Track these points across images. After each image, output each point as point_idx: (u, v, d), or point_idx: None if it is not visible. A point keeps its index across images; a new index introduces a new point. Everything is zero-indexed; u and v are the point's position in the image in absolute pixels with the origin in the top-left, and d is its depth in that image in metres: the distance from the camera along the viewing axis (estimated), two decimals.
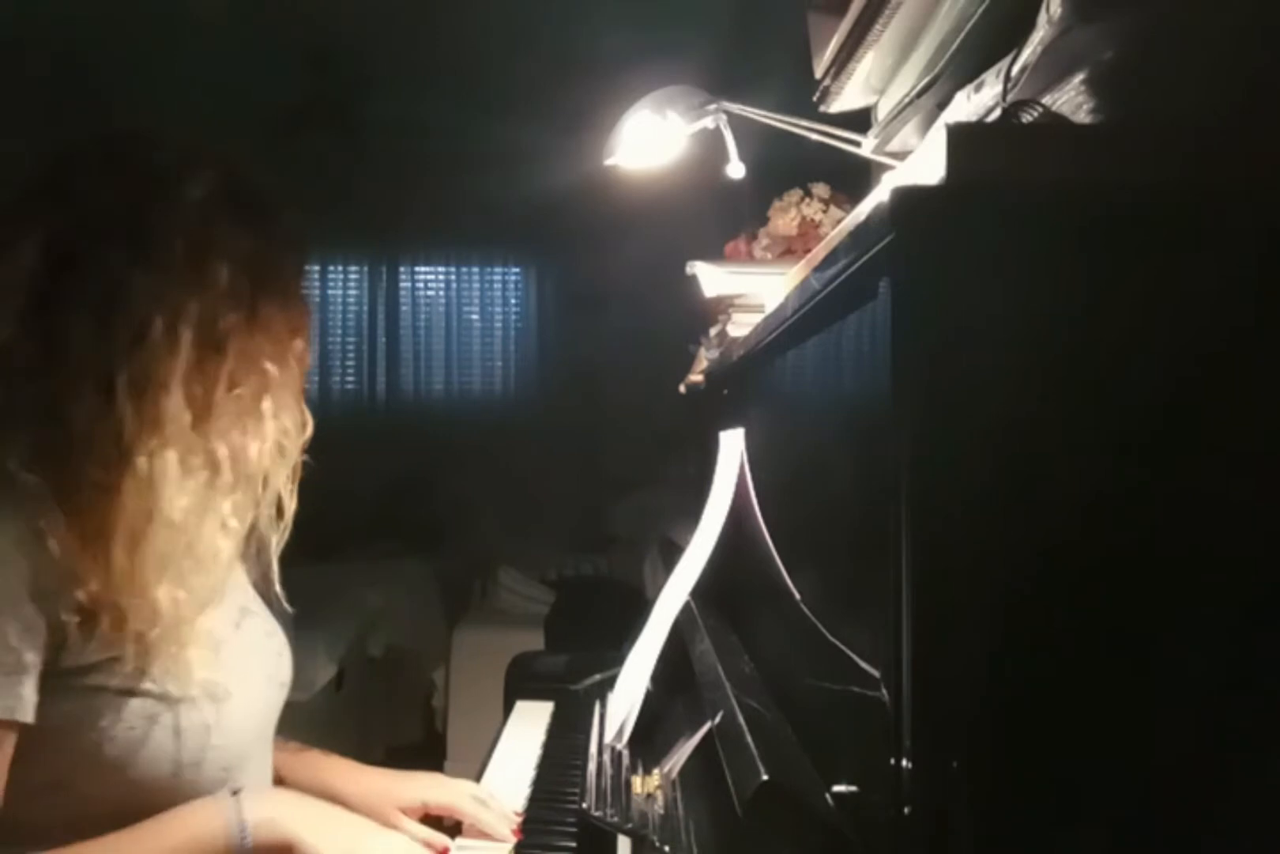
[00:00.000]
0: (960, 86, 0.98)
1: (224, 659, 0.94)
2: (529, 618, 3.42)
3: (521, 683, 1.70)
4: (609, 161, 1.55)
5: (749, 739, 0.83)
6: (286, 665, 1.07)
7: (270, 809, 0.93)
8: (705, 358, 1.76)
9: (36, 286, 0.87)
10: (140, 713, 0.88)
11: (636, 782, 1.10)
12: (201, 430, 0.89)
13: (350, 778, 1.15)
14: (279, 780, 1.11)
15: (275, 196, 0.98)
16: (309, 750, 1.19)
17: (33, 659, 0.83)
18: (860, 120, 1.41)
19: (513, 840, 1.13)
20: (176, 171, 0.92)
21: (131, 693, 0.88)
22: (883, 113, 1.35)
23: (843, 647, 0.75)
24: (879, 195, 0.77)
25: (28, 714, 0.83)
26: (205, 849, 0.89)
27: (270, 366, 0.93)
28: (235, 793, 0.92)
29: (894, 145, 1.31)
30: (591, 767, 1.18)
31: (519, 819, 1.17)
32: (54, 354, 0.86)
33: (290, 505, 1.01)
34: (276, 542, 1.01)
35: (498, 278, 5.40)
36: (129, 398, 0.85)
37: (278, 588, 1.03)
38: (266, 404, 0.93)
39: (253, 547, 1.00)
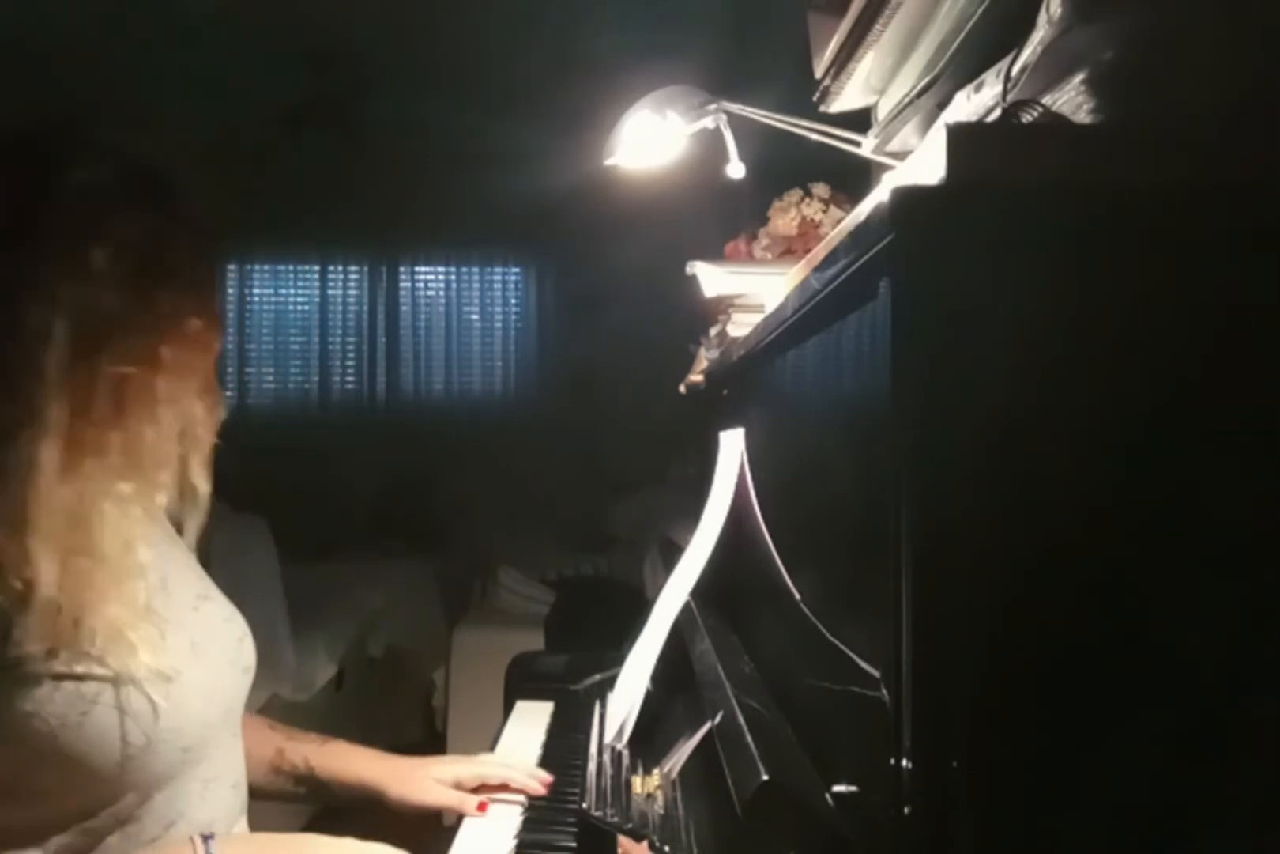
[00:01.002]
0: (960, 86, 0.98)
1: (179, 643, 0.95)
2: (529, 618, 3.42)
3: (521, 683, 1.70)
4: (609, 161, 1.55)
5: (749, 739, 0.83)
6: (248, 651, 1.08)
7: (238, 846, 0.96)
8: (705, 358, 1.76)
9: None
10: (86, 696, 0.88)
11: (636, 782, 1.11)
12: (86, 416, 0.88)
13: (381, 763, 1.22)
14: (308, 771, 1.16)
15: (174, 181, 0.98)
16: (334, 741, 1.23)
17: None
18: (860, 120, 1.41)
19: (542, 790, 1.23)
20: (55, 157, 0.92)
21: (80, 678, 0.88)
22: (883, 113, 1.35)
23: (843, 647, 0.75)
24: (879, 195, 0.77)
25: None
26: None
27: (164, 350, 0.92)
28: (206, 840, 0.93)
29: (894, 145, 1.31)
30: (591, 767, 1.18)
31: (548, 778, 1.26)
32: None
33: (203, 489, 1.00)
34: (193, 526, 1.02)
35: (498, 278, 5.41)
36: (3, 392, 0.85)
37: (212, 585, 1.06)
38: (161, 388, 0.93)
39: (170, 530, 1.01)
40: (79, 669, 0.88)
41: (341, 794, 1.20)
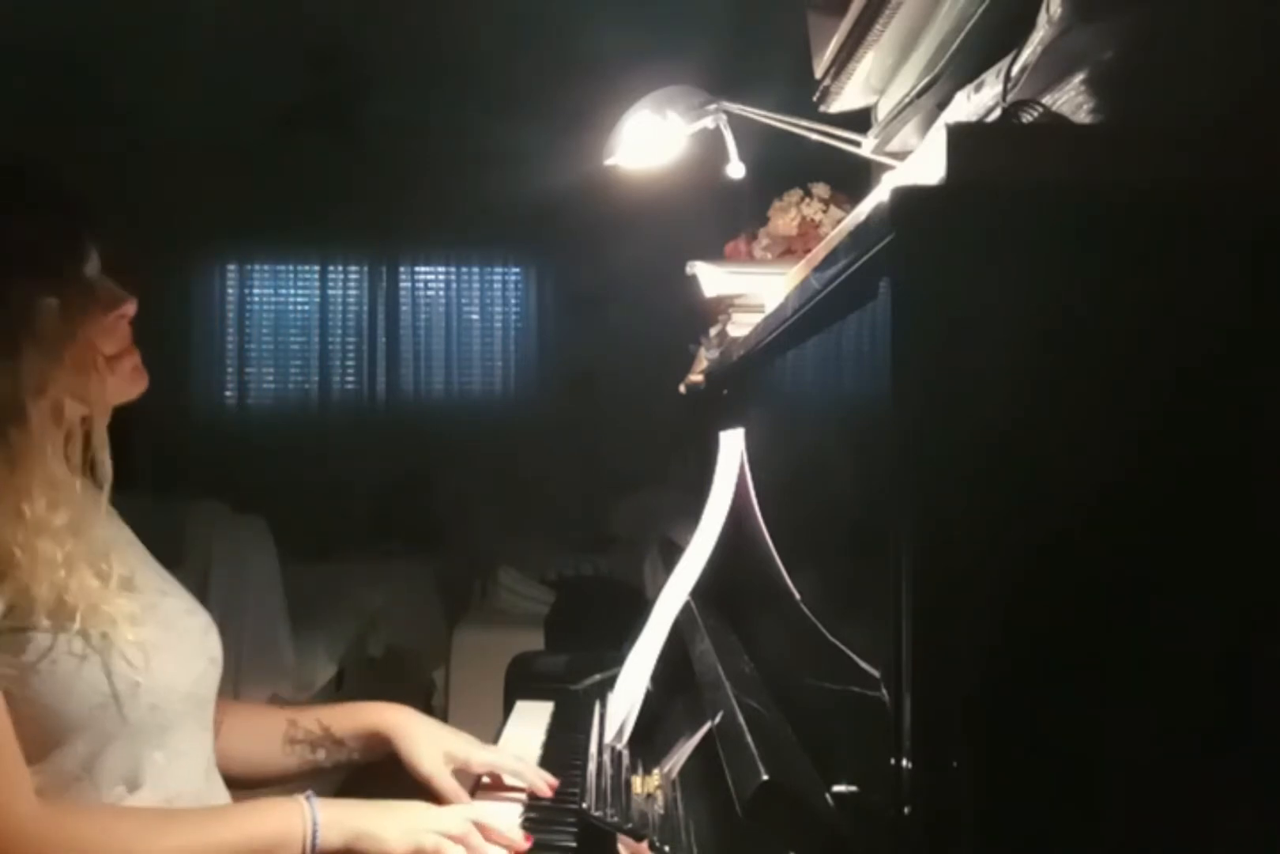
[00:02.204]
0: (960, 86, 0.98)
1: (151, 621, 1.01)
2: (529, 618, 3.42)
3: (521, 683, 1.70)
4: (609, 161, 1.55)
5: (749, 739, 0.83)
6: (214, 642, 1.12)
7: (336, 810, 1.02)
8: (705, 358, 1.76)
9: None
10: (65, 650, 0.94)
11: (636, 782, 1.11)
12: None
13: (402, 717, 1.25)
14: (324, 731, 1.21)
15: (42, 181, 1.00)
16: (347, 703, 1.28)
17: None
18: (860, 120, 1.40)
19: (548, 792, 1.23)
20: None
21: (55, 631, 0.94)
22: (883, 113, 1.35)
23: (843, 647, 0.75)
24: (879, 195, 0.77)
25: None
26: (283, 840, 0.98)
27: (22, 343, 0.94)
28: (308, 797, 1.01)
29: (894, 145, 1.31)
30: (591, 767, 1.18)
31: (554, 782, 1.25)
32: None
33: (106, 462, 1.02)
34: (103, 499, 1.04)
35: (498, 278, 5.41)
36: None
37: (176, 584, 1.13)
38: (25, 382, 0.94)
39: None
40: (54, 624, 0.94)
41: (359, 747, 1.23)
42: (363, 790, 1.19)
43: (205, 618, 1.13)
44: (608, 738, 1.23)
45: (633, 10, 3.08)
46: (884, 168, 1.27)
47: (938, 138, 0.61)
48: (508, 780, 1.25)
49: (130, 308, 1.03)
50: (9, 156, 1.02)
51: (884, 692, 0.62)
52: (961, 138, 0.60)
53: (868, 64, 1.25)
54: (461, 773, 1.23)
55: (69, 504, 0.97)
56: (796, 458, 0.98)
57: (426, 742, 1.21)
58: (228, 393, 5.34)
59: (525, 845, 1.08)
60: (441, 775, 1.19)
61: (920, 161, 0.68)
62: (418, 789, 1.19)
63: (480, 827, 1.07)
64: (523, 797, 1.24)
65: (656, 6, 3.10)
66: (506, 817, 1.18)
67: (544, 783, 1.23)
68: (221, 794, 1.11)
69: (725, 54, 2.95)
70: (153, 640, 1.00)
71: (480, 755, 1.24)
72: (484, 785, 1.26)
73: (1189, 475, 0.60)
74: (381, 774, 1.23)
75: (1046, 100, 0.82)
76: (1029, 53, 0.85)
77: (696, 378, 1.85)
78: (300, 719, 1.21)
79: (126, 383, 1.04)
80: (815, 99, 1.40)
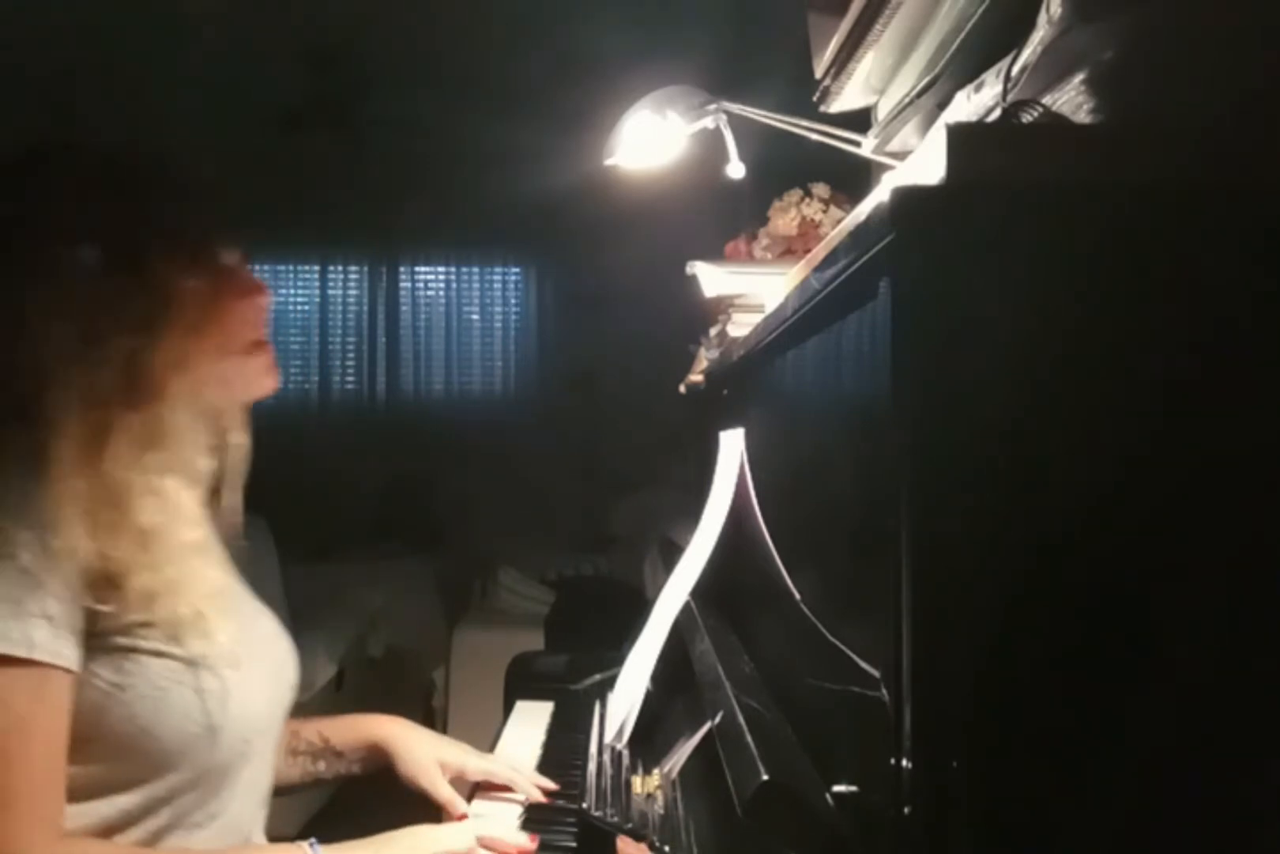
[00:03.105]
0: (960, 86, 0.98)
1: (244, 640, 0.99)
2: (529, 618, 3.42)
3: (521, 683, 1.70)
4: (609, 161, 1.55)
5: (749, 739, 0.83)
6: (292, 669, 1.10)
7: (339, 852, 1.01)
8: (705, 358, 1.76)
9: None
10: (168, 675, 0.93)
11: (636, 782, 1.11)
12: (97, 402, 0.91)
13: (393, 727, 1.24)
14: (324, 743, 1.20)
15: (154, 169, 1.00)
16: (346, 715, 1.26)
17: (76, 614, 0.88)
18: (860, 120, 1.40)
19: (543, 798, 1.23)
20: (37, 163, 0.96)
21: (160, 654, 0.92)
22: (883, 113, 1.35)
23: (843, 647, 0.75)
24: (879, 195, 0.77)
25: (77, 663, 0.88)
26: None
27: (170, 322, 0.94)
28: (313, 845, 1.00)
29: (894, 145, 1.31)
30: (591, 767, 1.18)
31: (550, 788, 1.25)
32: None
33: (241, 441, 1.05)
34: (236, 483, 1.06)
35: (498, 278, 5.40)
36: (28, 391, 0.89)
37: (265, 606, 1.10)
38: (170, 359, 0.94)
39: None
40: (160, 647, 0.92)
41: (358, 760, 1.22)
42: (359, 797, 1.19)
43: (289, 644, 1.11)
44: (608, 738, 1.24)
45: (633, 10, 3.08)
46: (884, 168, 1.27)
47: (938, 138, 0.61)
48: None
49: (267, 298, 1.04)
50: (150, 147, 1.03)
51: (884, 692, 0.62)
52: (961, 138, 0.60)
53: (868, 64, 1.25)
54: (458, 780, 1.24)
55: (196, 487, 0.98)
56: (796, 458, 0.98)
57: (421, 753, 1.21)
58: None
59: (532, 846, 1.09)
60: (438, 786, 1.19)
61: (920, 161, 0.68)
62: (413, 796, 1.20)
63: (485, 840, 1.07)
64: (520, 797, 1.24)
65: (656, 6, 3.10)
66: (506, 818, 1.18)
67: (538, 790, 1.24)
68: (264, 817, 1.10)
69: (725, 54, 2.95)
70: (249, 670, 0.98)
71: (475, 763, 1.24)
72: (483, 787, 1.26)
73: (1189, 475, 0.60)
74: (377, 782, 1.23)
75: (1046, 100, 0.82)
76: (1029, 53, 0.85)
77: (696, 378, 1.85)
78: (302, 731, 1.21)
79: (262, 375, 1.04)
80: (815, 99, 1.40)
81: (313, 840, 1.01)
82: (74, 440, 0.89)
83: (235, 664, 0.97)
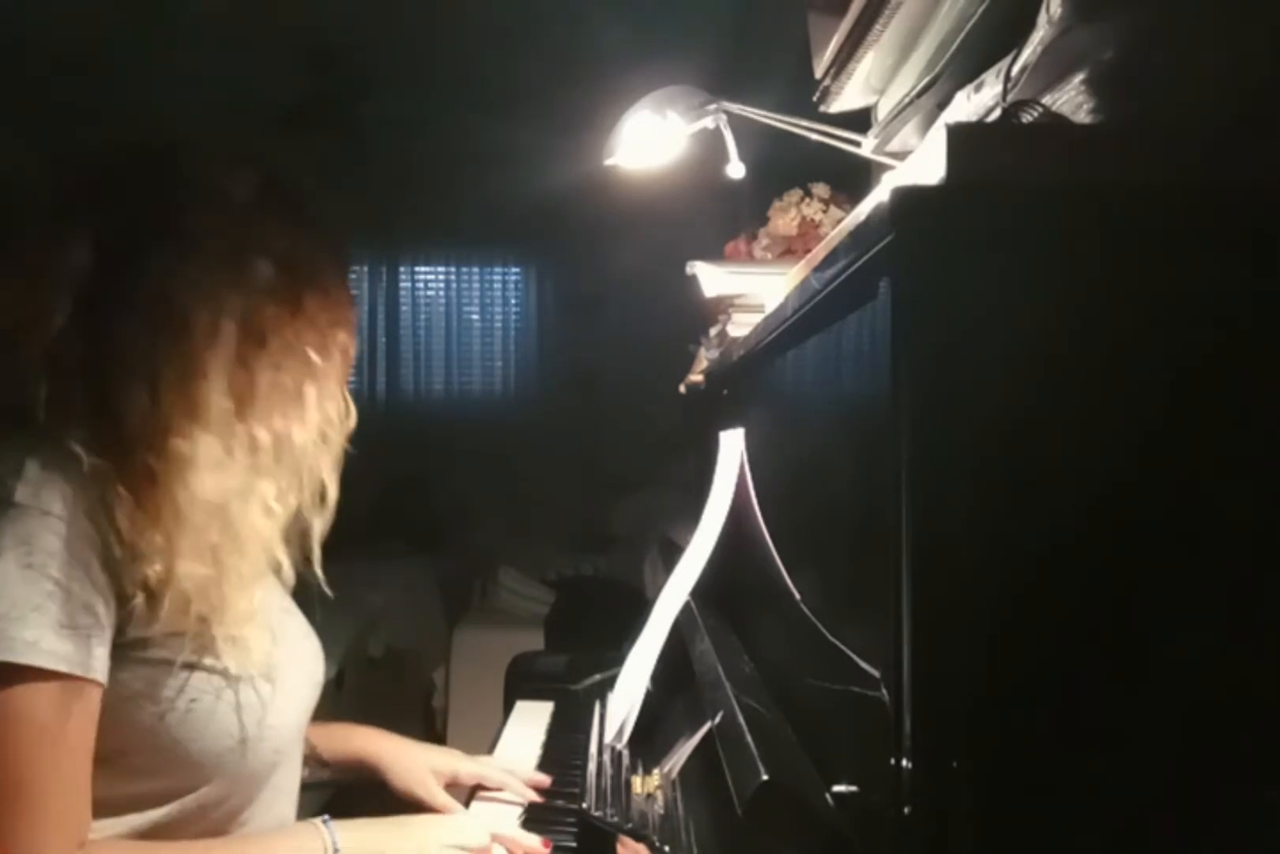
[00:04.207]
0: (960, 86, 0.98)
1: (278, 648, 0.99)
2: (529, 618, 3.42)
3: (521, 683, 1.70)
4: (609, 161, 1.55)
5: (749, 739, 0.83)
6: (320, 668, 1.11)
7: (354, 832, 1.02)
8: (705, 358, 1.76)
9: (85, 287, 0.90)
10: (203, 687, 0.92)
11: (636, 782, 1.11)
12: (244, 417, 0.93)
13: (382, 742, 1.24)
14: (312, 752, 1.19)
15: (303, 194, 1.03)
16: (335, 724, 1.26)
17: (107, 624, 0.87)
18: (860, 120, 1.40)
19: (537, 799, 1.24)
20: (217, 176, 0.96)
21: (194, 667, 0.91)
22: (883, 113, 1.35)
23: (843, 647, 0.75)
24: (879, 195, 0.77)
25: (104, 675, 0.86)
26: None
27: (314, 356, 0.97)
28: (325, 822, 1.01)
29: (894, 145, 1.31)
30: (591, 767, 1.18)
31: (544, 785, 1.26)
32: (103, 353, 0.89)
33: (333, 492, 1.04)
34: (319, 527, 1.05)
35: (498, 278, 5.40)
36: (172, 390, 0.89)
37: (319, 571, 1.07)
38: (310, 392, 0.97)
39: (295, 531, 1.03)
40: (195, 659, 0.91)
41: (347, 771, 1.23)
42: (359, 796, 1.19)
43: (316, 642, 1.11)
44: (608, 738, 1.23)
45: (633, 10, 3.07)
46: (884, 168, 1.27)
47: (938, 138, 0.61)
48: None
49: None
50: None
51: (884, 692, 0.62)
52: (961, 138, 0.60)
53: (868, 64, 1.25)
54: (453, 786, 1.24)
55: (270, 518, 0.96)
56: (796, 458, 0.98)
57: (411, 763, 1.22)
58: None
59: (545, 851, 1.10)
60: (434, 794, 1.19)
61: (920, 161, 0.68)
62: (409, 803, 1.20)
63: (500, 838, 1.08)
64: (518, 799, 1.24)
65: (656, 6, 3.10)
66: (507, 820, 1.18)
67: (532, 792, 1.24)
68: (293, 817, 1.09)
69: (725, 54, 2.95)
70: (279, 678, 0.98)
71: (467, 767, 1.25)
72: (480, 790, 1.26)
73: (1190, 475, 0.60)
74: (378, 782, 1.23)
75: (1046, 100, 0.82)
76: (1029, 53, 0.85)
77: (696, 378, 1.85)
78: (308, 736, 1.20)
79: (348, 369, 1.04)
80: (815, 99, 1.40)
81: (325, 817, 1.01)
82: (214, 448, 0.89)
83: (271, 678, 0.96)
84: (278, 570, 1.00)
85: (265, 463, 0.94)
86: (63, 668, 0.83)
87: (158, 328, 0.89)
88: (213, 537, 0.90)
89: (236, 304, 0.91)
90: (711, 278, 1.54)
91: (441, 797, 1.19)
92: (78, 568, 0.84)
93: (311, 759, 1.20)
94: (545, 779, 1.27)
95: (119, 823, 0.91)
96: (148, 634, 0.89)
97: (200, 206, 0.93)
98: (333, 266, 1.01)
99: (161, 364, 0.89)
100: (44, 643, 0.83)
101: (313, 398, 0.97)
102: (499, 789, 1.25)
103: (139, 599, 0.87)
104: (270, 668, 0.96)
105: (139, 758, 0.91)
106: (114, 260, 0.90)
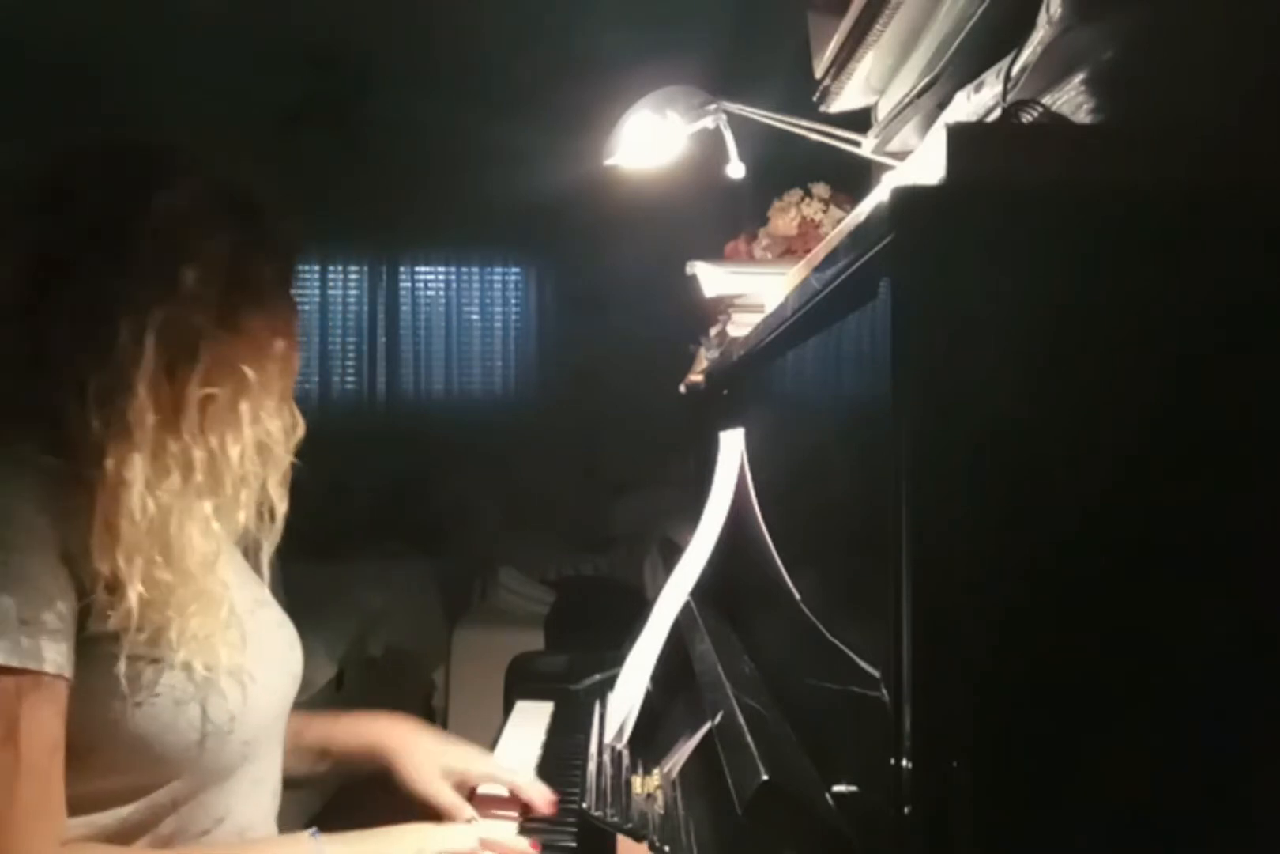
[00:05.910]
0: (960, 86, 0.98)
1: (244, 657, 0.97)
2: (529, 618, 3.42)
3: (521, 683, 1.70)
4: (609, 161, 1.55)
5: (749, 739, 0.83)
6: (297, 658, 1.09)
7: (342, 846, 1.00)
8: (705, 358, 1.76)
9: (27, 291, 0.89)
10: (167, 682, 0.91)
11: (636, 782, 1.10)
12: (173, 433, 0.90)
13: (403, 739, 1.21)
14: (327, 745, 1.18)
15: (260, 201, 0.99)
16: (351, 714, 1.24)
17: (69, 619, 0.86)
18: (860, 120, 1.40)
19: (547, 810, 1.20)
20: (153, 177, 0.93)
21: (157, 662, 0.90)
22: (883, 113, 1.35)
23: (843, 647, 0.75)
24: (879, 195, 0.77)
25: (69, 670, 0.86)
26: None
27: (248, 370, 0.94)
28: (314, 834, 0.99)
29: (894, 145, 1.31)
30: (591, 767, 1.18)
31: (553, 798, 1.22)
32: (39, 360, 0.88)
33: (280, 508, 1.02)
34: (268, 544, 1.03)
35: (498, 278, 5.41)
36: (101, 403, 0.87)
37: (267, 591, 1.07)
38: (244, 407, 0.94)
39: (246, 547, 1.03)
40: (158, 654, 0.90)
41: (361, 763, 1.21)
42: (360, 797, 1.19)
43: (292, 631, 1.09)
44: (608, 738, 1.23)
45: (633, 10, 3.08)
46: (884, 168, 1.27)
47: (938, 138, 0.61)
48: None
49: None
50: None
51: (884, 692, 0.62)
52: (961, 138, 0.60)
53: (868, 64, 1.25)
54: (460, 784, 1.22)
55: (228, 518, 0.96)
56: (796, 458, 0.98)
57: (423, 760, 1.19)
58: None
59: (535, 853, 1.09)
60: (440, 793, 1.17)
61: (920, 161, 0.68)
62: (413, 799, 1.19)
63: (488, 843, 1.07)
64: (516, 815, 1.21)
65: (656, 6, 3.10)
66: (505, 825, 1.18)
67: (542, 800, 1.20)
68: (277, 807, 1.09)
69: (725, 54, 2.95)
70: (250, 670, 0.97)
71: (479, 768, 1.22)
72: (479, 802, 1.23)
73: (1190, 475, 0.60)
74: (378, 781, 1.22)
75: (1046, 100, 0.82)
76: (1029, 53, 0.85)
77: (696, 378, 1.85)
78: (307, 730, 1.19)
79: (292, 379, 1.02)
80: (815, 99, 1.41)
81: (314, 830, 1.00)
82: (146, 468, 0.88)
83: (239, 672, 0.95)
84: (224, 590, 0.96)
85: (200, 481, 0.92)
86: (19, 663, 0.83)
87: (84, 339, 0.88)
88: (152, 558, 0.89)
89: (161, 314, 0.89)
90: (711, 278, 1.54)
91: (447, 796, 1.17)
92: (34, 564, 0.84)
93: (310, 752, 1.19)
94: (553, 799, 1.22)
95: (88, 823, 0.90)
96: (109, 629, 0.88)
97: (132, 210, 0.91)
98: (273, 274, 0.98)
99: (88, 376, 0.87)
100: (4, 639, 0.82)
101: (248, 412, 0.94)
102: (503, 802, 1.22)
103: (99, 594, 0.87)
104: (238, 662, 0.95)
105: (105, 754, 0.90)
106: (51, 266, 0.89)
